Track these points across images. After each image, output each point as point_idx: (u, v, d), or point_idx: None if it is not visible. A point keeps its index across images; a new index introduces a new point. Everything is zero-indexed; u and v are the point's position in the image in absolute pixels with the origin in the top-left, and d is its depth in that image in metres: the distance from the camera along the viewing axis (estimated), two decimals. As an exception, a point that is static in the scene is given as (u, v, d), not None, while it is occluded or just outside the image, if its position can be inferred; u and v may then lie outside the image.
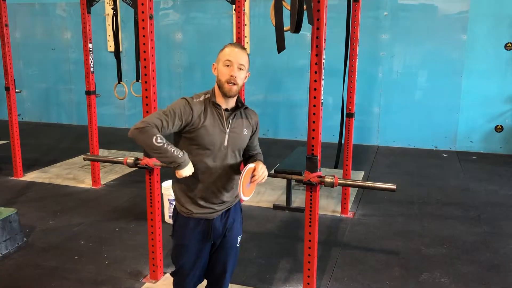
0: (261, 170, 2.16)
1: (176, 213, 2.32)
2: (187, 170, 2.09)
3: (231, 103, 2.21)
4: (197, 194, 2.22)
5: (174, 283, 2.46)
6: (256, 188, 2.27)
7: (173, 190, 2.34)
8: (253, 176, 2.17)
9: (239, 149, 2.25)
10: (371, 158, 6.80)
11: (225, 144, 2.17)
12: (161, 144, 2.02)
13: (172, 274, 2.45)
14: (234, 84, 2.11)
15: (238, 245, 2.39)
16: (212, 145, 2.15)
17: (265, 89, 7.95)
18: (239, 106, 2.24)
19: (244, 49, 2.19)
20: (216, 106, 2.17)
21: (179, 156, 2.06)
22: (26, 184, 5.48)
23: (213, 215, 2.25)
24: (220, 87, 2.14)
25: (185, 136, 2.18)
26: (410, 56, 7.21)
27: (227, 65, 2.12)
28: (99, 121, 5.65)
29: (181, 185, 2.25)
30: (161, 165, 2.88)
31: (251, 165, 2.18)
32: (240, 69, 2.13)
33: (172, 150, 2.05)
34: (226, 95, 2.14)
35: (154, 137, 2.01)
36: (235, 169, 2.28)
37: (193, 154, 2.15)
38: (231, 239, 2.34)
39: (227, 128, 2.17)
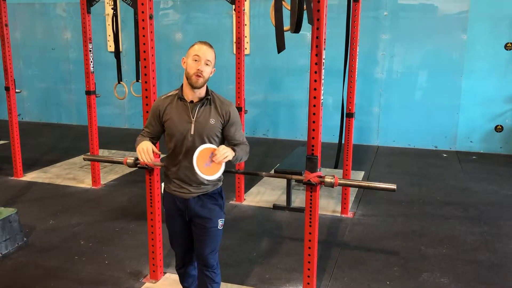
0: (223, 151, 2.22)
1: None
2: (139, 148, 2.32)
3: (199, 94, 2.40)
4: (172, 175, 2.48)
5: (175, 255, 2.67)
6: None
7: None
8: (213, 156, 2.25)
9: (208, 137, 2.39)
10: (371, 158, 6.80)
11: (192, 132, 2.38)
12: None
13: (170, 242, 2.66)
14: (200, 76, 2.32)
15: (220, 228, 2.52)
16: (179, 133, 2.39)
17: (265, 89, 7.95)
18: (205, 97, 2.42)
19: (211, 47, 2.39)
20: (182, 99, 2.41)
21: (136, 142, 2.42)
22: (26, 184, 5.49)
23: (188, 195, 2.45)
24: (188, 78, 2.36)
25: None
26: (410, 56, 7.21)
27: (196, 60, 2.33)
28: (99, 121, 5.65)
29: (165, 166, 2.54)
30: (160, 164, 2.90)
31: (207, 146, 2.25)
32: (207, 64, 2.35)
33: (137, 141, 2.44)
34: (193, 86, 2.35)
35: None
36: None
37: (169, 142, 2.44)
38: (209, 221, 2.47)
39: (193, 118, 2.38)
